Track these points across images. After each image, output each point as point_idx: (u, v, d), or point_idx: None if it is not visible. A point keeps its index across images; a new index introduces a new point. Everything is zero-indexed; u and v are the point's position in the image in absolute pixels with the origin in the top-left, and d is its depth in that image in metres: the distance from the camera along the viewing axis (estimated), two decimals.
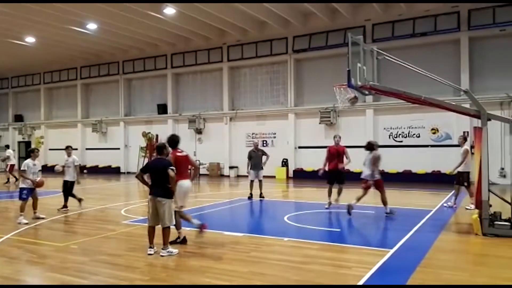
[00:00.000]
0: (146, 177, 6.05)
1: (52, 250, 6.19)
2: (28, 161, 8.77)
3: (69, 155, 10.13)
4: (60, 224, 8.30)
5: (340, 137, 10.59)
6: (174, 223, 6.03)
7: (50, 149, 28.06)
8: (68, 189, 10.01)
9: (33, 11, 16.57)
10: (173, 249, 5.86)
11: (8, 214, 9.93)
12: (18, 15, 17.08)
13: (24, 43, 21.43)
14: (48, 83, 28.15)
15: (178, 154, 6.42)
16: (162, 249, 5.79)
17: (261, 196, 11.84)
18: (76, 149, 26.45)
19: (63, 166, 10.06)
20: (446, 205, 10.00)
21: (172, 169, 5.82)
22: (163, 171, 5.78)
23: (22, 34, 20.22)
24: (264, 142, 20.59)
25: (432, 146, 17.18)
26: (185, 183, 6.38)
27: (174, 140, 6.56)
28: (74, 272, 5.14)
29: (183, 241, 6.38)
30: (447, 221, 8.24)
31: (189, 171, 6.73)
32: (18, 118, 29.67)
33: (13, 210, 9.99)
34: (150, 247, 5.88)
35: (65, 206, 9.92)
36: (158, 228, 5.91)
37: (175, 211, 6.20)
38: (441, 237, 6.86)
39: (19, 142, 29.58)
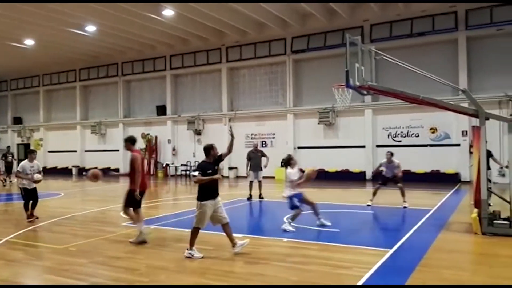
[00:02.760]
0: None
1: (51, 252, 6.17)
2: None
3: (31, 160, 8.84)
4: (59, 226, 8.26)
5: (128, 140, 6.77)
6: (195, 225, 5.88)
7: (49, 151, 27.99)
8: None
9: (31, 13, 16.55)
10: (195, 253, 5.69)
11: (7, 217, 9.88)
12: (17, 18, 17.08)
13: (23, 46, 21.41)
14: (47, 85, 28.10)
15: None
16: (187, 249, 5.76)
17: (260, 197, 11.84)
18: (76, 151, 26.51)
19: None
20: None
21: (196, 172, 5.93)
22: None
23: (21, 37, 20.19)
24: (264, 142, 20.59)
25: (431, 145, 17.20)
26: None
27: None
28: (72, 274, 5.11)
29: None
30: (446, 221, 8.23)
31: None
32: (17, 120, 29.60)
33: (12, 213, 9.95)
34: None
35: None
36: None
37: None
38: (440, 237, 6.86)
39: (18, 145, 29.41)
